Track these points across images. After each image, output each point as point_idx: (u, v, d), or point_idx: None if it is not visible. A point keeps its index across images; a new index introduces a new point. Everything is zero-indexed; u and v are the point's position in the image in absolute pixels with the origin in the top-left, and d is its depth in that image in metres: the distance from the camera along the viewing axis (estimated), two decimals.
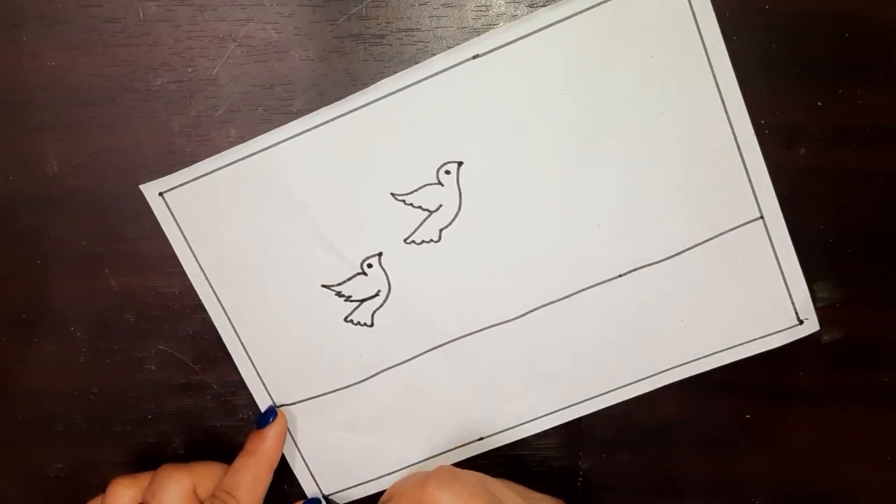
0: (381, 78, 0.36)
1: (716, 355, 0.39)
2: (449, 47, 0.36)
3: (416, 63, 0.36)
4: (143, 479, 0.38)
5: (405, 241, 0.38)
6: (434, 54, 0.36)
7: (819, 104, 0.36)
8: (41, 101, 0.37)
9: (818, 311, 0.38)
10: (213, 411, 0.41)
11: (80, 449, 0.41)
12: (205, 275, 0.39)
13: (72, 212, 0.38)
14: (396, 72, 0.36)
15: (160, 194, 0.38)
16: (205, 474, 0.38)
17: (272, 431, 0.39)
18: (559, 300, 0.38)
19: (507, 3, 0.36)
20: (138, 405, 0.41)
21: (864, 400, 0.39)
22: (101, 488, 0.38)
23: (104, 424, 0.41)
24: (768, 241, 0.37)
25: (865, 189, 0.37)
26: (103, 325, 0.40)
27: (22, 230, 0.39)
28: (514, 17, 0.36)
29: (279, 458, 0.39)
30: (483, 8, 0.36)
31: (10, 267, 0.39)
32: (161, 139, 0.37)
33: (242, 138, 0.37)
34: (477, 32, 0.36)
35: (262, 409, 0.40)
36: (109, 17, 0.36)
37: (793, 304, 0.38)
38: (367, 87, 0.36)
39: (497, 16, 0.36)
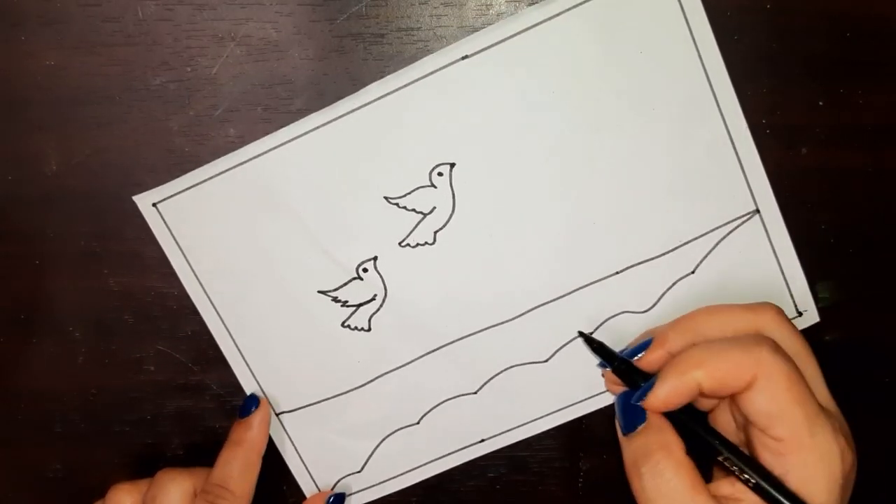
0: (381, 77, 0.36)
1: None
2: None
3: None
4: (143, 484, 0.37)
5: (400, 244, 0.38)
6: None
7: (820, 104, 0.36)
8: (40, 100, 0.37)
9: (819, 311, 0.38)
10: (212, 412, 0.40)
11: (78, 449, 0.41)
12: (200, 284, 0.38)
13: (71, 211, 0.38)
14: (397, 71, 0.36)
15: (154, 205, 0.38)
16: (205, 477, 0.37)
17: (257, 419, 0.38)
18: (556, 299, 0.38)
19: (507, 2, 0.35)
20: (137, 406, 0.41)
21: (863, 400, 0.39)
22: (100, 489, 0.38)
23: (103, 425, 0.41)
24: (765, 235, 0.37)
25: (866, 189, 0.37)
26: (102, 326, 0.40)
27: (21, 230, 0.38)
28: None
29: (266, 445, 0.39)
30: (484, 7, 0.36)
31: (9, 267, 0.39)
32: (160, 139, 0.37)
33: (241, 138, 0.37)
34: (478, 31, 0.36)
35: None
36: (108, 16, 0.36)
37: (791, 296, 0.38)
38: (367, 86, 0.36)
39: (498, 15, 0.36)
